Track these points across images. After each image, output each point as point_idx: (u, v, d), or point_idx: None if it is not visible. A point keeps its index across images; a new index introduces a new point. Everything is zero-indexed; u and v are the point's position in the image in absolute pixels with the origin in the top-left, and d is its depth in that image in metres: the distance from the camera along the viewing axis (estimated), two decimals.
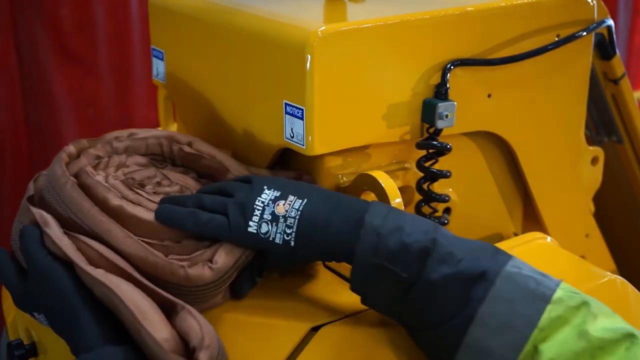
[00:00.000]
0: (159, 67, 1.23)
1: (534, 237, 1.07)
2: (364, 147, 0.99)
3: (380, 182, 0.92)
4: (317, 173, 0.99)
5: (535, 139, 1.13)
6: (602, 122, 1.35)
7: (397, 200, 0.91)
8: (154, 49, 1.23)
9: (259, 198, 0.87)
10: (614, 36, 1.23)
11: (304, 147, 0.94)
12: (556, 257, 1.04)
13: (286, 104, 0.95)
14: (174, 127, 1.32)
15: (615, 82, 1.28)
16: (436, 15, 0.98)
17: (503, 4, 1.03)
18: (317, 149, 0.94)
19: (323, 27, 0.91)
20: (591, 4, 1.10)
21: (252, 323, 0.87)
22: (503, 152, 1.13)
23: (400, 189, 0.95)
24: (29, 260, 0.84)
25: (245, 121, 1.05)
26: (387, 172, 0.95)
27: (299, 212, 0.85)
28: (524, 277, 0.78)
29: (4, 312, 1.16)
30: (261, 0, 1.08)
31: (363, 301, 0.86)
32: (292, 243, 0.85)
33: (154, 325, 0.76)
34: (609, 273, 1.00)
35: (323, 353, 0.85)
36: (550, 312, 0.76)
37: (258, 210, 0.86)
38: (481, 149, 1.11)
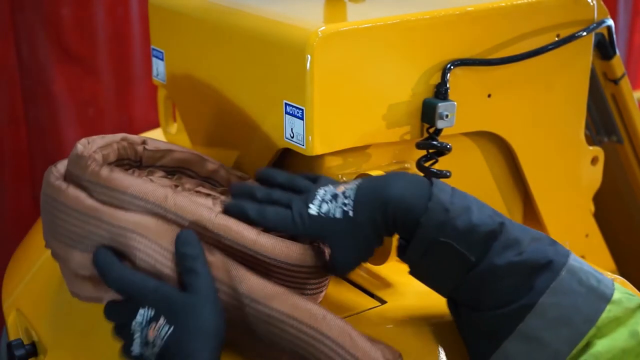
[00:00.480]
0: (159, 67, 1.23)
1: None
2: (364, 147, 0.99)
3: None
4: (317, 173, 0.99)
5: (535, 139, 1.13)
6: (602, 122, 1.35)
7: None
8: (154, 49, 1.23)
9: (321, 187, 0.86)
10: (614, 36, 1.23)
11: (304, 147, 0.94)
12: None
13: (286, 104, 0.95)
14: (174, 127, 1.32)
15: (615, 82, 1.28)
16: (436, 15, 0.98)
17: (503, 4, 1.03)
18: (317, 149, 0.94)
19: (323, 27, 0.91)
20: (591, 4, 1.10)
21: None
22: (503, 152, 1.13)
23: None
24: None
25: (245, 121, 1.05)
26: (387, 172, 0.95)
27: (357, 185, 0.84)
28: (586, 273, 0.79)
29: (4, 312, 1.16)
30: (261, 0, 1.08)
31: (412, 271, 0.85)
32: (351, 213, 0.82)
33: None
34: (609, 273, 1.00)
35: None
36: (609, 312, 0.77)
37: (319, 195, 0.85)
38: (481, 149, 1.11)
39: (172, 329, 0.76)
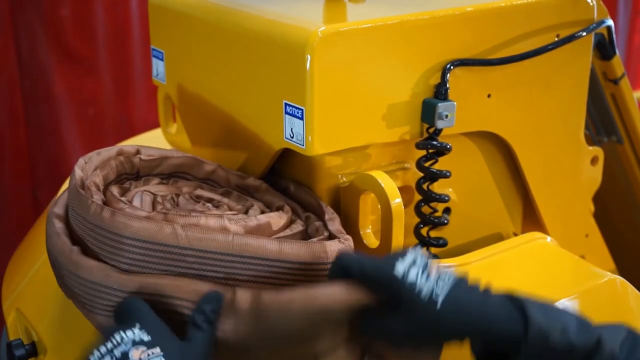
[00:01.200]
0: (158, 67, 1.23)
1: (534, 237, 1.07)
2: (364, 147, 0.99)
3: (380, 182, 0.92)
4: (317, 173, 0.99)
5: (535, 139, 1.13)
6: (602, 122, 1.35)
7: (397, 200, 0.91)
8: (153, 49, 1.23)
9: (411, 249, 0.81)
10: (614, 36, 1.23)
11: (304, 147, 0.94)
12: (556, 257, 1.04)
13: (286, 104, 0.95)
14: (173, 127, 1.32)
15: (615, 82, 1.28)
16: (436, 15, 0.98)
17: (503, 4, 1.03)
18: (317, 149, 0.94)
19: (323, 27, 0.91)
20: (591, 4, 1.10)
21: None
22: (503, 152, 1.13)
23: (400, 189, 0.95)
24: None
25: (245, 121, 1.05)
26: (387, 172, 0.95)
27: (451, 280, 0.78)
28: None
29: (4, 312, 1.16)
30: (261, 0, 1.08)
31: None
32: (438, 305, 0.76)
33: None
34: (608, 273, 1.00)
35: None
36: None
37: (410, 257, 0.79)
38: (481, 149, 1.11)
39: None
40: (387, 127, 0.98)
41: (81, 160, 0.95)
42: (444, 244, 1.03)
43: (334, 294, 0.78)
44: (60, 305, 1.03)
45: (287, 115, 0.95)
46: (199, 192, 1.00)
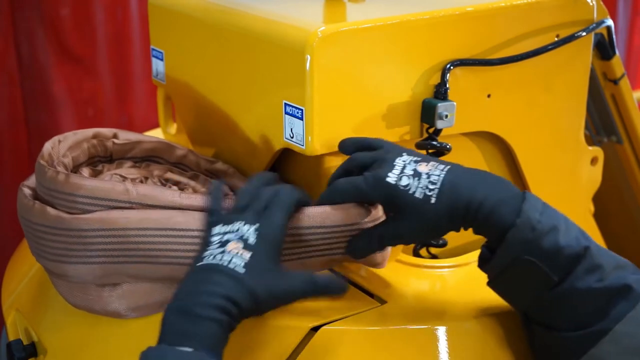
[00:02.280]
0: (158, 67, 1.23)
1: None
2: None
3: None
4: (317, 173, 0.99)
5: (534, 139, 1.13)
6: (601, 122, 1.35)
7: None
8: (153, 49, 1.23)
9: (398, 158, 0.85)
10: (614, 36, 1.23)
11: (304, 147, 0.94)
12: None
13: (286, 104, 0.95)
14: (173, 127, 1.32)
15: (615, 82, 1.28)
16: (436, 15, 0.98)
17: (503, 4, 1.04)
18: (317, 149, 0.94)
19: (323, 28, 0.91)
20: (591, 4, 1.10)
21: (253, 323, 0.87)
22: (502, 152, 1.13)
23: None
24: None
25: (245, 121, 1.05)
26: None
27: (444, 172, 0.83)
28: None
29: (3, 312, 1.16)
30: (261, 1, 1.08)
31: (491, 284, 0.85)
32: (433, 199, 0.81)
33: None
34: None
35: (323, 353, 0.85)
36: None
37: (398, 166, 0.84)
38: (481, 149, 1.11)
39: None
40: (387, 127, 0.98)
41: (55, 138, 0.99)
42: (444, 244, 1.03)
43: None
44: (60, 305, 1.03)
45: (287, 115, 0.95)
46: (169, 175, 1.03)
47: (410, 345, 0.86)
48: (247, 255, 0.78)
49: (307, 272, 0.82)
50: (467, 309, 0.90)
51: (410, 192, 0.82)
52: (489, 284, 0.85)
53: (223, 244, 0.79)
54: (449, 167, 0.84)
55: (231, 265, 0.77)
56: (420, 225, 0.83)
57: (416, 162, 0.84)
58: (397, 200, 0.83)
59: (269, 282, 0.78)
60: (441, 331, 0.87)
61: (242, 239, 0.79)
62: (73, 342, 0.99)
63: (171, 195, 0.88)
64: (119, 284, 0.89)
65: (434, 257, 1.03)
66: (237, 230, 0.81)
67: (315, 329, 0.86)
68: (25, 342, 1.04)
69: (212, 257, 0.78)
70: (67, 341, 0.99)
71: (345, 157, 0.99)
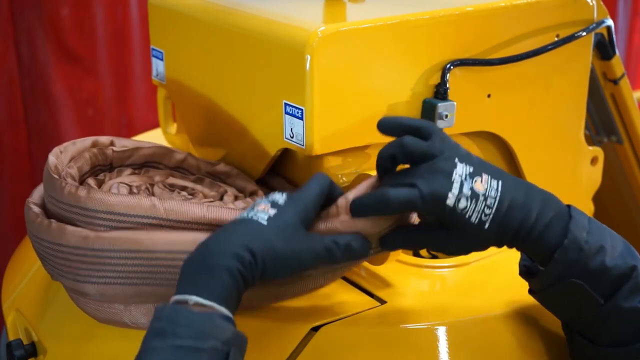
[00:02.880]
0: (158, 67, 1.23)
1: None
2: (364, 147, 0.99)
3: None
4: (316, 173, 0.99)
5: (534, 139, 1.13)
6: (601, 122, 1.35)
7: None
8: (153, 49, 1.23)
9: (454, 169, 0.80)
10: (614, 36, 1.23)
11: (304, 147, 0.94)
12: None
13: (286, 104, 0.95)
14: (173, 127, 1.32)
15: (615, 82, 1.29)
16: (436, 15, 0.98)
17: (503, 4, 1.04)
18: (317, 149, 0.94)
19: (323, 27, 0.91)
20: (591, 4, 1.10)
21: (253, 323, 0.87)
22: (502, 152, 1.13)
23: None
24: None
25: (245, 121, 1.05)
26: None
27: (499, 193, 0.80)
28: None
29: (3, 312, 1.16)
30: (261, 1, 1.08)
31: (534, 294, 0.86)
32: (487, 225, 0.80)
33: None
34: None
35: (323, 353, 0.85)
36: None
37: (456, 183, 0.79)
38: (481, 149, 1.11)
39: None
40: None
41: (56, 149, 0.97)
42: None
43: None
44: (60, 305, 1.03)
45: (287, 115, 0.95)
46: (171, 180, 1.02)
47: (410, 345, 0.86)
48: (273, 211, 0.77)
49: (329, 236, 0.80)
50: (467, 309, 0.90)
51: (467, 216, 0.79)
52: (531, 292, 0.87)
53: (473, 195, 0.78)
54: (501, 181, 0.81)
55: (254, 218, 0.76)
56: (468, 245, 0.82)
57: (472, 176, 0.80)
58: (452, 223, 0.80)
59: (289, 237, 0.76)
60: (441, 331, 0.87)
61: (271, 201, 0.79)
62: (73, 342, 0.99)
63: (199, 210, 0.85)
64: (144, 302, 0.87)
65: (434, 257, 1.03)
66: (269, 196, 0.80)
67: (315, 329, 0.86)
68: (25, 342, 1.04)
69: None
70: (67, 341, 0.99)
71: (345, 156, 0.99)
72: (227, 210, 0.86)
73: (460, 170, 0.80)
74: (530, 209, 0.81)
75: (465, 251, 0.84)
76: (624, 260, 0.80)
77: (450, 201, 0.78)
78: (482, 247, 0.83)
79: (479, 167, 0.82)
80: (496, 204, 0.80)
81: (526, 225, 0.80)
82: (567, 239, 0.80)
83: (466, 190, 0.79)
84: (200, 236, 0.80)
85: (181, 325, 0.69)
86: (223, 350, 0.69)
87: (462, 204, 0.79)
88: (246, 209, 0.79)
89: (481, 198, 0.79)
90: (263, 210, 0.77)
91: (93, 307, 0.89)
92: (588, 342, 0.83)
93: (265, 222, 0.76)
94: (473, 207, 0.79)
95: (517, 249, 0.84)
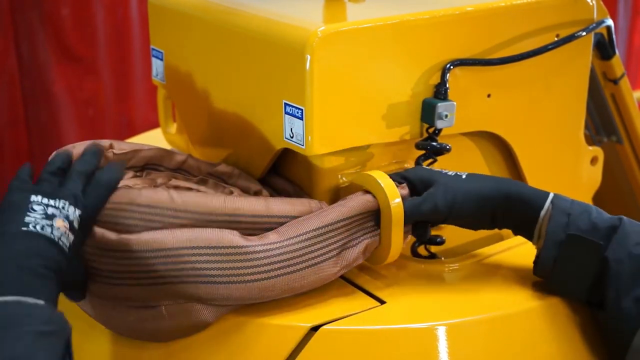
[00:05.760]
0: (158, 67, 1.23)
1: None
2: (364, 147, 0.99)
3: (380, 182, 0.92)
4: (317, 173, 0.99)
5: (534, 139, 1.13)
6: (601, 122, 1.35)
7: (396, 200, 0.91)
8: (153, 49, 1.23)
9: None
10: (614, 36, 1.23)
11: (304, 147, 0.94)
12: None
13: (286, 104, 0.95)
14: (173, 127, 1.32)
15: (615, 82, 1.28)
16: (436, 15, 0.98)
17: (503, 4, 1.04)
18: (317, 149, 0.94)
19: (323, 27, 0.91)
20: (590, 4, 1.10)
21: (253, 323, 0.87)
22: (502, 152, 1.13)
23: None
24: None
25: (245, 121, 1.05)
26: (387, 172, 0.95)
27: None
28: None
29: None
30: (261, 0, 1.08)
31: (549, 281, 0.91)
32: (463, 176, 0.92)
33: None
34: None
35: (323, 353, 0.85)
36: None
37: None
38: (481, 149, 1.11)
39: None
40: (387, 127, 0.98)
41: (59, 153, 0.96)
42: (442, 242, 1.02)
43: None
44: (60, 305, 1.03)
45: (287, 115, 0.95)
46: (175, 182, 1.01)
47: (410, 345, 0.86)
48: (71, 237, 0.81)
49: None
50: (467, 309, 0.90)
51: (443, 172, 0.94)
52: (548, 283, 0.91)
53: (49, 217, 0.80)
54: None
55: (60, 244, 0.79)
56: (451, 196, 0.91)
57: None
58: (432, 177, 0.92)
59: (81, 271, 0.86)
60: (441, 331, 0.87)
61: (68, 220, 0.80)
62: (73, 342, 0.98)
63: (217, 201, 0.86)
64: (157, 306, 0.86)
65: (433, 256, 1.03)
66: (63, 208, 0.81)
67: (315, 328, 0.86)
68: None
69: (39, 225, 0.78)
70: None
71: (345, 156, 0.99)
72: (246, 199, 0.87)
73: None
74: (504, 181, 0.93)
75: (455, 206, 0.91)
76: (610, 217, 0.89)
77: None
78: (467, 197, 0.91)
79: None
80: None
81: (504, 181, 0.93)
82: (554, 207, 0.89)
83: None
84: (221, 233, 0.83)
85: (26, 315, 0.73)
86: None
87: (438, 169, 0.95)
88: (42, 219, 0.79)
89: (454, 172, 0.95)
90: (65, 234, 0.79)
91: (105, 315, 0.90)
92: (601, 310, 0.87)
93: (65, 248, 0.79)
94: (447, 171, 0.94)
95: (512, 228, 0.93)
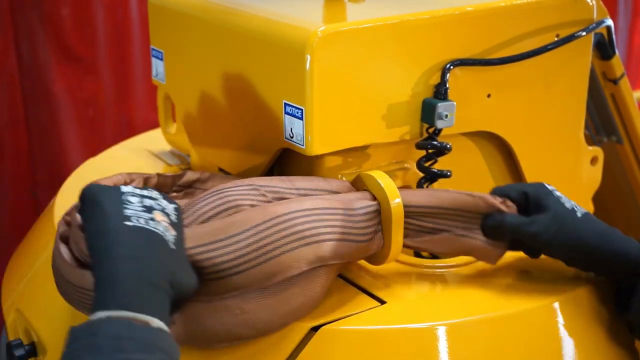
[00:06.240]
0: (158, 67, 1.23)
1: None
2: (364, 147, 0.99)
3: (380, 182, 0.92)
4: (317, 173, 0.99)
5: (534, 138, 1.13)
6: (601, 122, 1.35)
7: (396, 201, 0.91)
8: (153, 49, 1.23)
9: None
10: (613, 36, 1.22)
11: (304, 147, 0.94)
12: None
13: (286, 104, 0.95)
14: (173, 127, 1.32)
15: (615, 82, 1.28)
16: (436, 15, 0.98)
17: (503, 4, 1.04)
18: (317, 149, 0.94)
19: (323, 27, 0.91)
20: (590, 4, 1.10)
21: None
22: (502, 152, 1.13)
23: (400, 189, 0.95)
24: None
25: (245, 121, 1.05)
26: (387, 172, 0.95)
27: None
28: None
29: (3, 312, 1.16)
30: (261, 0, 1.08)
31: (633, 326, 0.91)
32: (579, 214, 0.91)
33: None
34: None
35: (323, 353, 0.85)
36: None
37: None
38: (481, 149, 1.11)
39: None
40: (387, 127, 0.98)
41: (64, 219, 0.87)
42: None
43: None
44: (60, 305, 1.03)
45: (287, 115, 0.95)
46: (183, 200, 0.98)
47: (410, 345, 0.86)
48: (174, 233, 0.74)
49: None
50: (467, 309, 0.90)
51: (561, 201, 0.93)
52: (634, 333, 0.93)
53: (148, 209, 0.73)
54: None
55: (166, 239, 0.72)
56: (559, 231, 0.90)
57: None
58: (546, 201, 0.92)
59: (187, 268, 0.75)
60: (441, 331, 0.87)
61: (165, 213, 0.75)
62: None
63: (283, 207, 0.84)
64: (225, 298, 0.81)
65: (434, 257, 1.03)
66: (157, 200, 0.76)
67: (315, 328, 0.86)
68: (25, 342, 1.04)
69: (142, 219, 0.72)
70: None
71: (345, 156, 0.99)
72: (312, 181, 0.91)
73: None
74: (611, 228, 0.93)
75: (552, 247, 0.91)
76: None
77: (548, 185, 0.95)
78: (576, 242, 0.91)
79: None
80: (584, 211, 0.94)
81: (615, 233, 0.92)
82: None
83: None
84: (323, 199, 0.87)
85: (125, 338, 0.63)
86: None
87: (557, 193, 0.94)
88: (142, 212, 0.72)
89: (572, 202, 0.95)
90: (166, 229, 0.73)
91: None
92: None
93: (173, 247, 0.72)
94: (565, 199, 0.94)
95: (605, 270, 0.93)
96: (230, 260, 0.79)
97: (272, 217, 0.82)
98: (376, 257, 0.94)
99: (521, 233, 0.91)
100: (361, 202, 0.89)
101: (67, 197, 1.21)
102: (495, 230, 0.92)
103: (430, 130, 1.00)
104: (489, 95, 1.06)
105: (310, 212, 0.84)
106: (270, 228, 0.81)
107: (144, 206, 0.73)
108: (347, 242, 0.86)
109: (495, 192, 0.95)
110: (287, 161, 1.04)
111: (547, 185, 0.94)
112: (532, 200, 0.93)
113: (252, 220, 0.81)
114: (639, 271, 0.89)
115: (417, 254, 1.03)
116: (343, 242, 0.86)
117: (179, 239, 0.75)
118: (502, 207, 0.92)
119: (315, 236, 0.83)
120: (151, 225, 0.71)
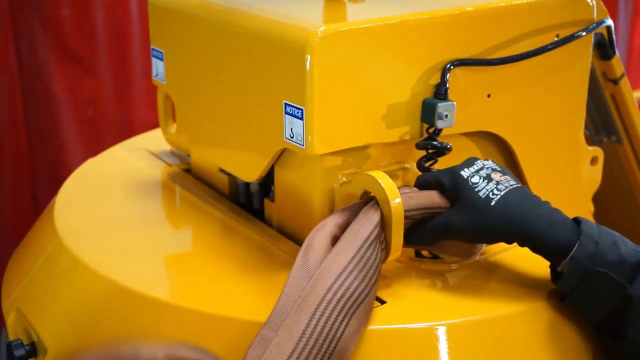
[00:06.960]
0: (158, 67, 1.23)
1: None
2: (364, 147, 0.99)
3: (380, 182, 0.92)
4: (317, 173, 0.99)
5: (534, 139, 1.13)
6: (601, 122, 1.35)
7: (396, 201, 0.91)
8: (153, 49, 1.23)
9: (481, 160, 0.95)
10: (614, 36, 1.23)
11: (304, 147, 0.94)
12: None
13: (286, 104, 0.95)
14: (173, 127, 1.32)
15: (615, 82, 1.28)
16: (436, 15, 0.98)
17: (503, 4, 1.04)
18: (317, 149, 0.94)
19: (323, 27, 0.91)
20: (590, 4, 1.10)
21: (253, 323, 0.87)
22: (502, 152, 1.13)
23: (400, 189, 0.95)
24: None
25: (245, 121, 1.05)
26: (387, 172, 0.95)
27: (512, 185, 0.91)
28: None
29: (3, 312, 1.16)
30: (261, 0, 1.08)
31: (565, 300, 0.90)
32: (493, 202, 0.89)
33: None
34: None
35: None
36: None
37: (477, 166, 0.93)
38: (481, 149, 1.11)
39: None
40: (387, 127, 0.98)
41: None
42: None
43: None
44: (60, 305, 1.03)
45: (287, 115, 0.95)
46: None
47: (410, 345, 0.86)
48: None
49: None
50: (467, 309, 0.90)
51: (476, 189, 0.90)
52: (564, 302, 0.90)
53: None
54: (519, 186, 0.91)
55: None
56: (471, 223, 0.90)
57: (493, 170, 0.93)
58: (461, 192, 0.90)
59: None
60: (441, 331, 0.87)
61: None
62: (73, 342, 0.99)
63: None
64: None
65: (434, 257, 1.03)
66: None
67: None
68: (25, 342, 1.04)
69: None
70: (67, 341, 0.99)
71: (345, 156, 0.99)
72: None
73: (487, 163, 0.94)
74: (536, 206, 0.90)
75: (471, 233, 0.90)
76: (637, 250, 0.87)
77: (464, 173, 0.92)
78: (488, 232, 0.90)
79: (505, 171, 0.93)
80: (505, 191, 0.90)
81: (530, 216, 0.88)
82: (582, 235, 0.87)
83: (482, 173, 0.92)
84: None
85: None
86: None
87: (475, 179, 0.91)
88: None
89: (493, 182, 0.91)
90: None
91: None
92: (616, 339, 0.87)
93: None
94: (483, 185, 0.90)
95: (531, 249, 0.89)
96: None
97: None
98: None
99: (448, 231, 0.92)
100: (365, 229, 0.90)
101: (67, 197, 1.21)
102: (440, 231, 0.93)
103: (430, 131, 1.00)
104: (489, 96, 1.06)
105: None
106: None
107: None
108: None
109: (428, 179, 0.96)
110: (287, 161, 1.04)
111: (462, 173, 0.92)
112: (448, 191, 0.93)
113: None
114: (562, 254, 0.88)
115: (418, 254, 1.03)
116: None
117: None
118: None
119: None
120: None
